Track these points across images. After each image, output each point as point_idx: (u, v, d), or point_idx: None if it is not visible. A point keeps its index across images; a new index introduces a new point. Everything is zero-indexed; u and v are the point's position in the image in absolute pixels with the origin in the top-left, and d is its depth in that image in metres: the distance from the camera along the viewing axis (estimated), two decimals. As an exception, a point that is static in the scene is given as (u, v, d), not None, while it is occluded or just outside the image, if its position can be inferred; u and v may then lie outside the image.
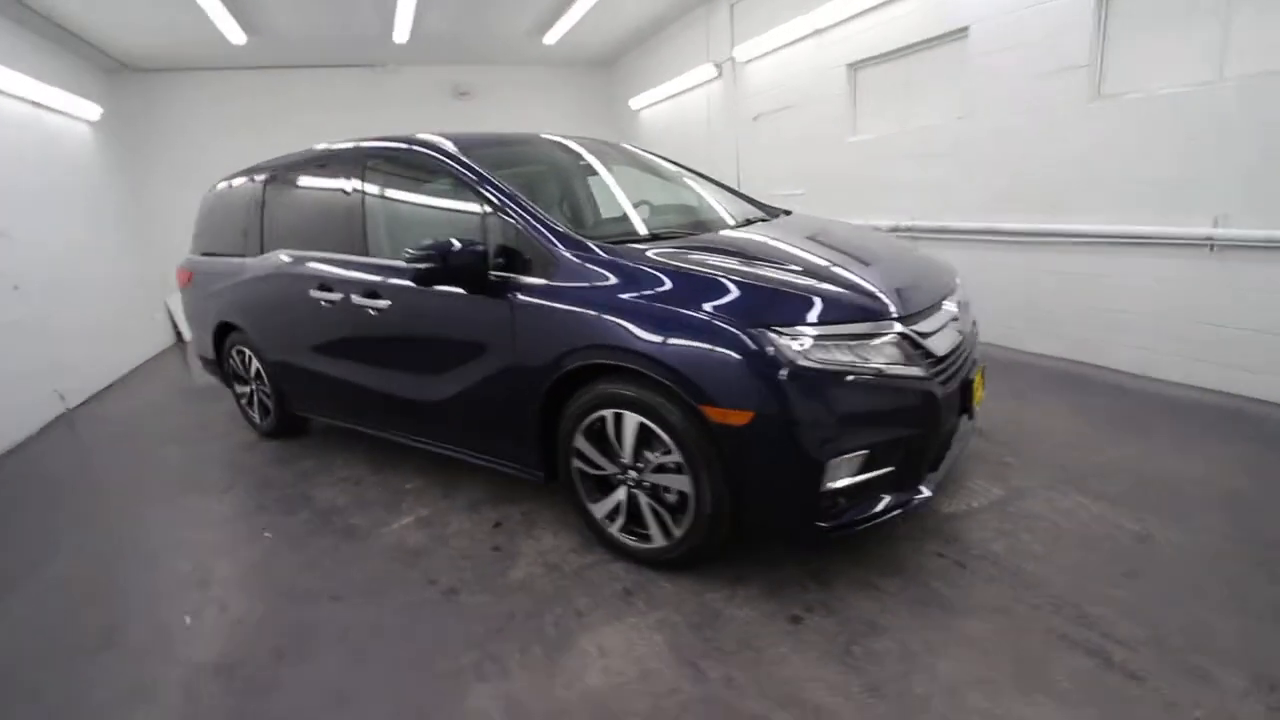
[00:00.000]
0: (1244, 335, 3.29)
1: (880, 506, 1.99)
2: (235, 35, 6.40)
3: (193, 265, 4.24)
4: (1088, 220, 3.88)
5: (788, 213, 3.04)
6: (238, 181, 3.94)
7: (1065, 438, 3.09)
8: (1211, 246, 3.32)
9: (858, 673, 1.76)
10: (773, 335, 1.88)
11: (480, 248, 2.33)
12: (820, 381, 1.86)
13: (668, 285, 2.06)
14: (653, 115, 9.09)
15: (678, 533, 2.15)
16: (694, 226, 2.77)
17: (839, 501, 1.94)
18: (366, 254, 2.94)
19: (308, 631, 2.13)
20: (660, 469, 2.13)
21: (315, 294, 3.11)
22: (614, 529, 2.34)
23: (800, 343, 1.88)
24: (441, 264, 2.31)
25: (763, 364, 1.86)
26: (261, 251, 3.57)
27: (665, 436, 2.06)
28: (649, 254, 2.21)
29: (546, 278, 2.28)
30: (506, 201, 2.43)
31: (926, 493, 2.06)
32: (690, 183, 3.38)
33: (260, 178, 3.67)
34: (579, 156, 3.18)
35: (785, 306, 1.93)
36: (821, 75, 5.75)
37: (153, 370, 6.71)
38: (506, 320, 2.36)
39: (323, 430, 4.06)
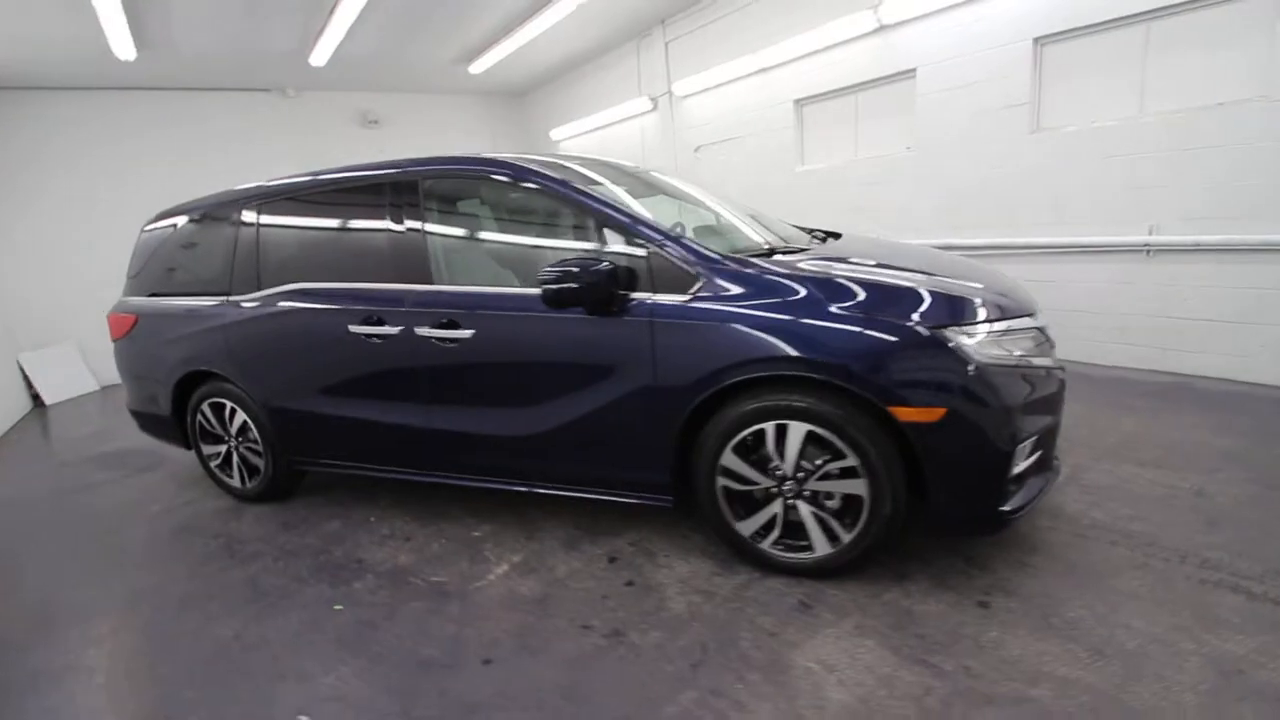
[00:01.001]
0: (1177, 323, 3.98)
1: (1037, 489, 2.15)
2: (125, 49, 5.56)
3: (137, 309, 3.57)
4: (1037, 234, 4.49)
5: (837, 235, 3.19)
6: (199, 213, 3.41)
7: (1070, 420, 3.52)
8: (1148, 251, 4.00)
9: (1072, 640, 1.87)
10: (955, 334, 1.99)
11: (609, 267, 2.23)
12: (998, 375, 2.00)
13: (836, 294, 2.11)
14: (577, 147, 9.15)
15: (847, 538, 2.17)
16: (773, 245, 2.83)
17: (1012, 488, 2.07)
18: (430, 282, 2.68)
19: (475, 710, 1.86)
20: (825, 476, 2.14)
21: (357, 329, 2.77)
22: (765, 544, 2.30)
23: (977, 340, 2.01)
24: (581, 284, 2.18)
25: (952, 362, 1.96)
26: (258, 288, 3.11)
27: (838, 442, 2.08)
28: (800, 265, 2.25)
29: (693, 294, 2.23)
30: (635, 222, 2.35)
31: (1059, 473, 2.26)
32: (718, 206, 3.43)
33: (246, 208, 3.20)
34: (635, 176, 3.15)
35: (956, 307, 2.06)
36: (768, 110, 6.17)
37: (19, 446, 5.49)
38: (643, 341, 2.26)
39: (313, 489, 3.57)
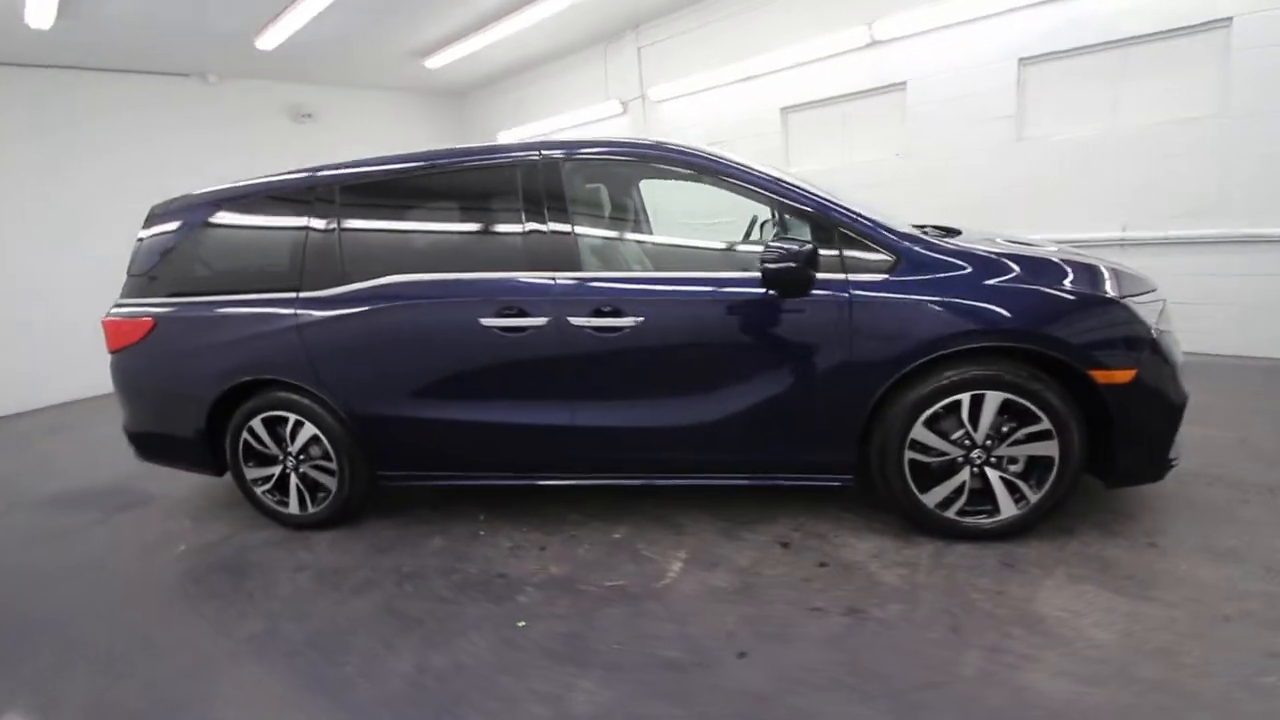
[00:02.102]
0: (1146, 307, 4.64)
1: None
2: (41, 16, 4.68)
3: (154, 313, 3.02)
4: (1022, 232, 5.03)
5: (957, 231, 3.09)
6: (247, 201, 2.97)
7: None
8: (1122, 245, 4.63)
9: (1245, 563, 2.13)
10: (1136, 303, 2.21)
11: (812, 248, 2.24)
12: (1166, 339, 2.25)
13: (1034, 269, 2.26)
14: (530, 149, 8.90)
15: (1034, 498, 2.32)
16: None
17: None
18: (577, 270, 2.53)
19: (768, 699, 1.77)
20: (1015, 441, 2.28)
21: (490, 322, 2.55)
22: (951, 512, 2.40)
23: (1147, 308, 2.25)
24: (799, 264, 2.17)
25: (1140, 328, 2.18)
26: (343, 282, 2.76)
27: (1034, 408, 2.23)
28: (971, 244, 2.39)
29: (891, 272, 2.29)
30: (826, 202, 2.39)
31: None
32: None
33: (321, 193, 2.83)
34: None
35: (1132, 280, 2.29)
36: (753, 116, 6.40)
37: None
38: (840, 319, 2.29)
39: (368, 509, 3.21)
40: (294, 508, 3.03)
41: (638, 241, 2.69)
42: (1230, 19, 3.98)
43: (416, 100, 9.20)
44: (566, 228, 2.55)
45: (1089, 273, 2.28)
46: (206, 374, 2.92)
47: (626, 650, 2.02)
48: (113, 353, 3.13)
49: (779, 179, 2.46)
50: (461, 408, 2.70)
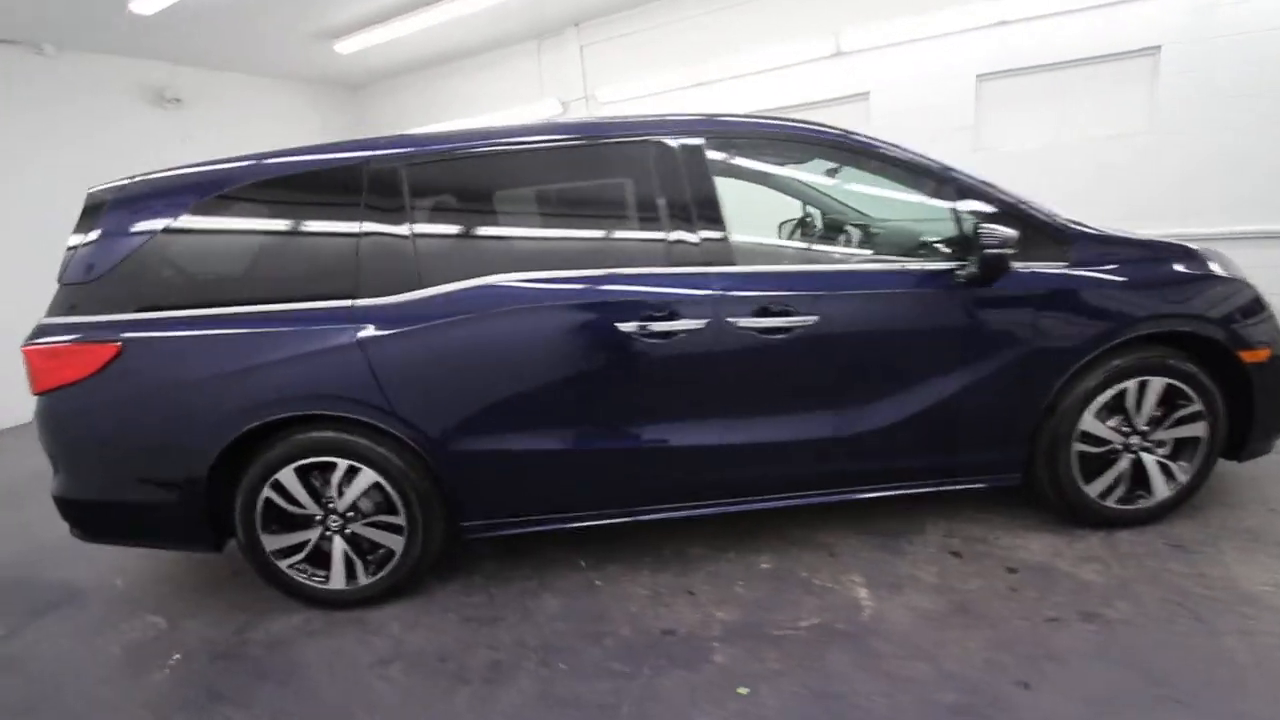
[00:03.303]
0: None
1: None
2: None
3: (119, 334, 2.15)
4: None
5: None
6: (264, 180, 2.24)
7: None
8: (1071, 245, 5.15)
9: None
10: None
11: (1017, 232, 2.12)
12: None
13: (1178, 255, 2.32)
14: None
15: (1184, 479, 2.39)
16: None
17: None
18: (731, 263, 2.19)
19: None
20: (1172, 423, 2.33)
21: (631, 327, 2.13)
22: (1112, 501, 2.39)
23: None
24: (1007, 252, 2.03)
25: (1269, 311, 2.33)
26: (418, 285, 2.17)
27: (1188, 390, 2.29)
28: (1124, 232, 2.42)
29: (1064, 260, 2.24)
30: (1000, 193, 2.29)
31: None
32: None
33: (381, 174, 2.20)
34: None
35: (1234, 264, 2.44)
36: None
37: None
38: (1029, 310, 2.20)
39: (445, 575, 2.59)
40: (338, 581, 2.32)
41: (814, 227, 2.43)
42: (1159, 47, 4.60)
43: (308, 90, 8.02)
44: (715, 214, 2.21)
45: (1220, 259, 2.40)
46: (212, 414, 2.15)
47: (898, 702, 1.73)
48: (43, 393, 2.20)
49: (948, 166, 2.33)
50: (587, 433, 2.23)
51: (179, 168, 2.32)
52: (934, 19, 5.14)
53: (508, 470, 2.26)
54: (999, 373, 2.24)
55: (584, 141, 2.28)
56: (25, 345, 2.20)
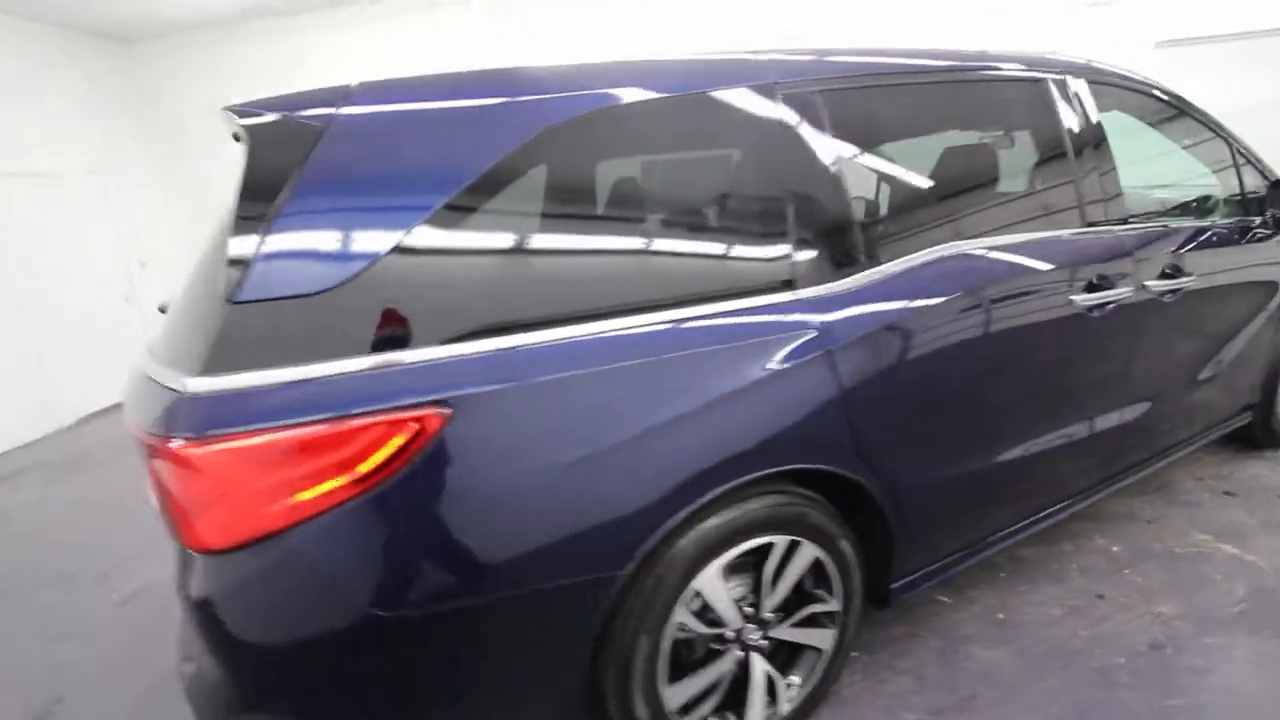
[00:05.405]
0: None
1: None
2: None
3: (467, 392, 1.09)
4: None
5: None
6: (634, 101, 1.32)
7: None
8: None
9: None
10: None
11: None
12: None
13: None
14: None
15: None
16: None
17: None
18: (1126, 221, 1.96)
19: None
20: None
21: (1083, 300, 1.78)
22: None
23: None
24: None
25: None
26: (871, 260, 1.50)
27: None
28: None
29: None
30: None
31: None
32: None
33: (794, 100, 1.44)
34: None
35: None
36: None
37: None
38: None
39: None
40: (758, 712, 1.51)
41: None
42: None
43: (60, 40, 5.37)
44: (1113, 168, 1.96)
45: None
46: (631, 501, 1.22)
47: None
48: (245, 546, 1.00)
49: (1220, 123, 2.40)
50: (1038, 432, 1.82)
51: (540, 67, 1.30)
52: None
53: (967, 499, 1.73)
54: (1271, 319, 2.43)
55: (1019, 74, 1.84)
56: (187, 449, 0.97)
